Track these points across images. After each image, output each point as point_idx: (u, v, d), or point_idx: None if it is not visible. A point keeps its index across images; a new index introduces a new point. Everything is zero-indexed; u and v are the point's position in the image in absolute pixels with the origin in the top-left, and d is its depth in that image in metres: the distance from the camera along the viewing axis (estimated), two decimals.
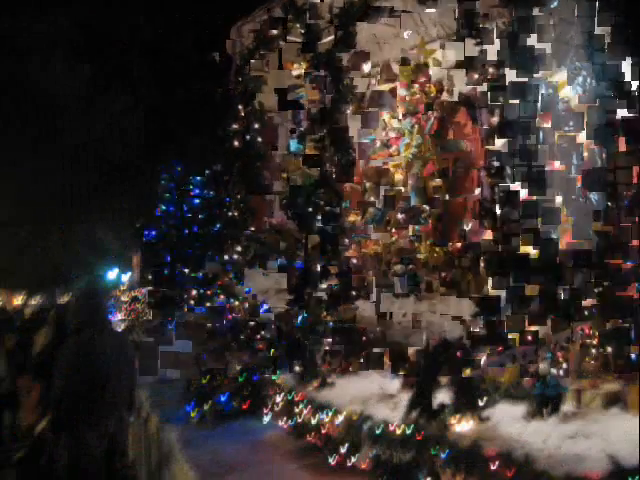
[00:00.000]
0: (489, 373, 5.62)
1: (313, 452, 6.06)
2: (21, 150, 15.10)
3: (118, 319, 18.84)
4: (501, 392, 5.16)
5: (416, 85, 8.25)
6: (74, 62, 15.14)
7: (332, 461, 5.46)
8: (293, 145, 8.87)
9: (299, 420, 6.36)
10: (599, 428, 4.09)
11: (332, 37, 6.64)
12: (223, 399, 8.44)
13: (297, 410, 6.43)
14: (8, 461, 4.94)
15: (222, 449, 6.92)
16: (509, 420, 4.42)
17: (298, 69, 8.50)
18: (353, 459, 5.14)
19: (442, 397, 4.53)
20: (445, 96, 7.95)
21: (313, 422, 5.97)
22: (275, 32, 7.39)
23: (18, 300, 25.84)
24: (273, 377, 7.58)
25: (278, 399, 7.04)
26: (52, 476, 3.84)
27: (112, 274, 23.58)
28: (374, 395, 5.78)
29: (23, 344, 6.88)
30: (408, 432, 4.40)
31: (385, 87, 8.69)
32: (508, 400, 4.99)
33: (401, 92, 8.49)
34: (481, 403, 4.41)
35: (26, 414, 4.68)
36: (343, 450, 5.28)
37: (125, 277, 22.16)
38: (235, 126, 8.65)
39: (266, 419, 7.48)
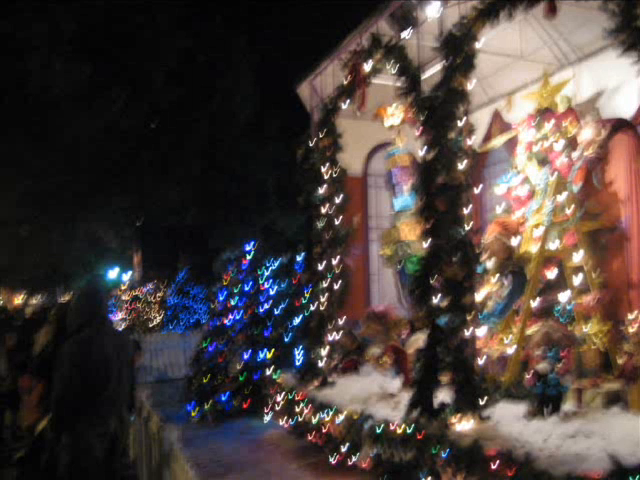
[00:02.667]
0: (489, 373, 5.66)
1: (314, 451, 6.08)
2: (21, 149, 15.09)
3: (119, 318, 18.86)
4: (501, 391, 5.18)
5: (546, 125, 6.11)
6: (74, 61, 15.13)
7: (333, 460, 5.47)
8: (398, 203, 7.59)
9: (300, 419, 6.37)
10: (600, 427, 4.10)
11: (438, 69, 5.03)
12: (224, 398, 8.48)
13: (298, 409, 6.44)
14: (9, 460, 4.94)
15: (223, 448, 6.95)
16: (510, 419, 4.42)
17: (392, 117, 7.43)
18: (354, 458, 5.14)
19: (443, 396, 4.53)
20: (590, 135, 5.85)
21: (314, 421, 5.97)
22: (367, 71, 6.13)
23: (19, 299, 25.92)
24: (274, 376, 7.59)
25: (279, 398, 7.05)
26: (52, 476, 3.84)
27: (113, 273, 23.59)
28: (375, 394, 5.78)
29: (24, 343, 6.88)
30: (409, 431, 4.40)
31: (500, 140, 7.08)
32: (509, 399, 5.01)
33: (524, 137, 6.40)
34: (482, 402, 4.40)
35: (27, 413, 4.66)
36: (344, 449, 5.28)
37: (126, 276, 22.15)
38: (321, 191, 7.07)
39: (267, 418, 7.51)
